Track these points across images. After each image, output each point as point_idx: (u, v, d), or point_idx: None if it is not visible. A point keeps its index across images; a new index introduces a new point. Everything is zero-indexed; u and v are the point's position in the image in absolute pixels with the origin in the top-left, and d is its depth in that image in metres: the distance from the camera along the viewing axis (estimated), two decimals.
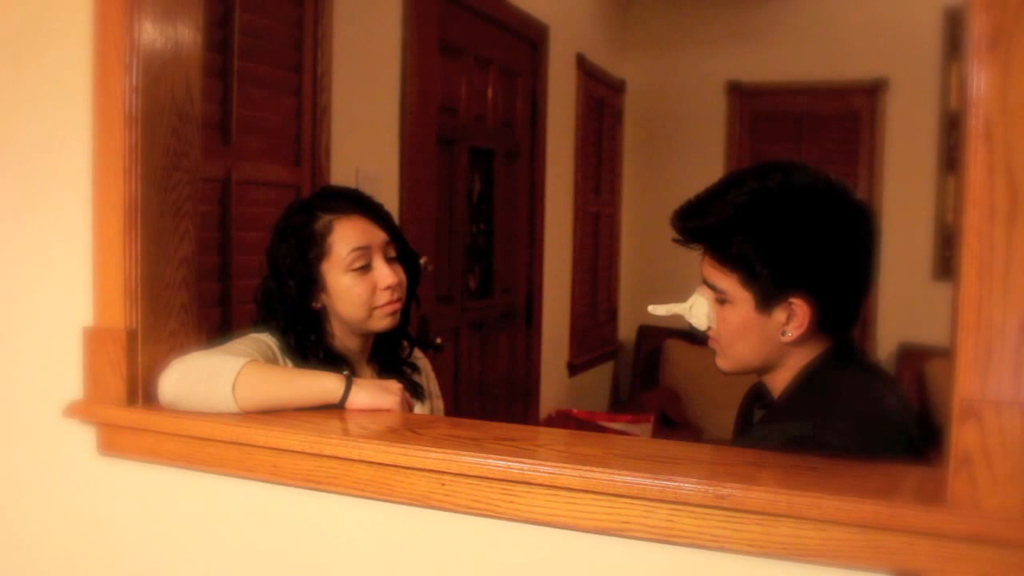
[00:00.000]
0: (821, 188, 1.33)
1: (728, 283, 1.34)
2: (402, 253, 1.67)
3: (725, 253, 1.33)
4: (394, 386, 1.46)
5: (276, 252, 1.62)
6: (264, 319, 1.62)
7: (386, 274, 1.60)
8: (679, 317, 1.43)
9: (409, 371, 1.76)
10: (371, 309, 1.61)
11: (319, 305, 1.61)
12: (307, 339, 1.60)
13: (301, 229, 1.61)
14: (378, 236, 1.62)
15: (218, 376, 1.37)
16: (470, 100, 3.58)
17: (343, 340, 1.64)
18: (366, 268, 1.60)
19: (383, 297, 1.60)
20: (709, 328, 1.40)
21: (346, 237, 1.60)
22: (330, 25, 2.60)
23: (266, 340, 1.57)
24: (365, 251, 1.60)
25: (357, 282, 1.59)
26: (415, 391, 1.72)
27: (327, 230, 1.60)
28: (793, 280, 1.30)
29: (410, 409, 1.50)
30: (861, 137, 5.01)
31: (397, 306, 1.63)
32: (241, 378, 1.37)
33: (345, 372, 1.45)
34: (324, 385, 1.41)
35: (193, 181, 1.51)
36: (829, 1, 4.98)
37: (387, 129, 3.00)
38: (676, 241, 1.39)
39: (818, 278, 1.30)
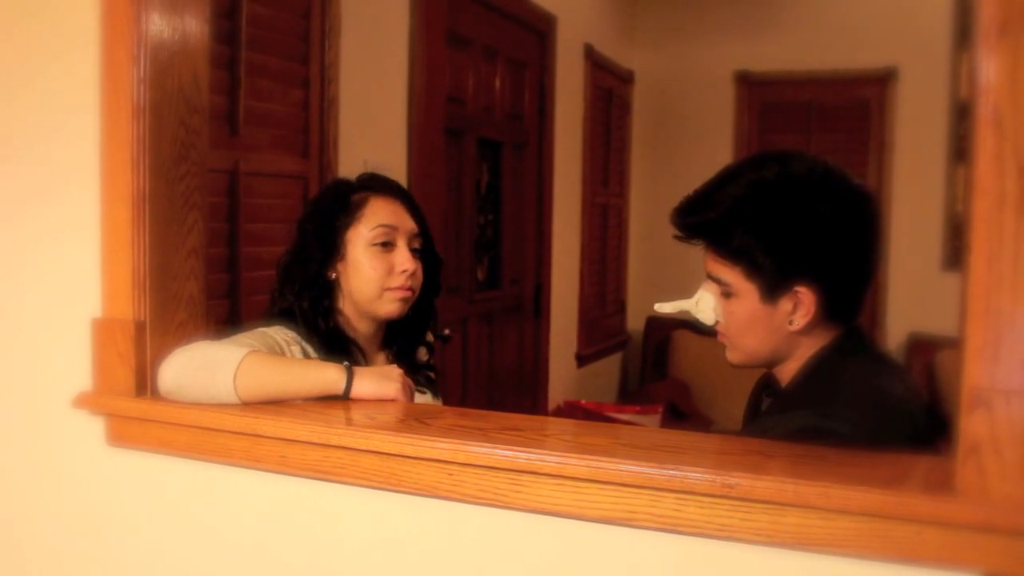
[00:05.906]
0: (819, 175, 1.32)
1: (732, 276, 1.34)
2: (427, 253, 1.68)
3: (727, 247, 1.33)
4: (394, 372, 1.47)
5: (306, 216, 1.68)
6: (280, 287, 1.64)
7: (406, 258, 1.62)
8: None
9: (427, 360, 1.77)
10: (382, 289, 1.61)
11: (334, 275, 1.63)
12: (320, 304, 1.61)
13: (338, 198, 1.65)
14: (408, 223, 1.65)
15: (219, 365, 1.37)
16: (478, 91, 3.57)
17: (351, 321, 1.65)
18: (388, 246, 1.62)
19: (397, 280, 1.61)
20: (717, 322, 1.39)
21: (377, 212, 1.63)
22: (338, 16, 2.59)
23: (274, 335, 1.56)
24: (391, 229, 1.62)
25: (375, 257, 1.61)
26: (430, 384, 1.74)
27: (362, 202, 1.64)
28: (797, 269, 1.30)
29: (411, 393, 1.50)
30: (871, 126, 4.99)
31: (408, 293, 1.63)
32: (243, 368, 1.36)
33: (345, 363, 1.45)
34: (325, 376, 1.41)
35: (201, 172, 1.51)
36: None
37: (395, 120, 2.99)
38: (677, 238, 1.39)
39: (822, 265, 1.30)
